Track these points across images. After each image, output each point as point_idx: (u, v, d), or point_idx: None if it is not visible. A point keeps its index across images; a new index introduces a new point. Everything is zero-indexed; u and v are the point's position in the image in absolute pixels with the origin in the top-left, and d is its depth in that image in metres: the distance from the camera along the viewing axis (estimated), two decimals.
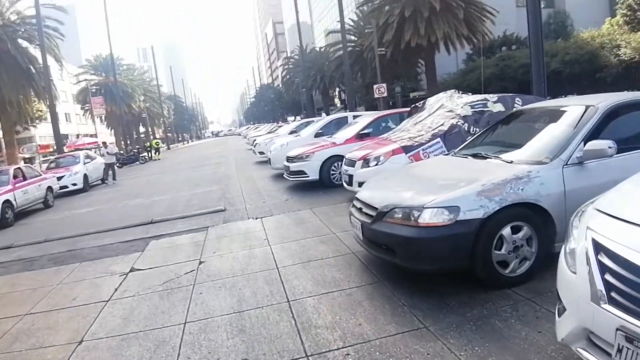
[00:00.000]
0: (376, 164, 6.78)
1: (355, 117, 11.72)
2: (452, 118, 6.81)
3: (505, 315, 3.05)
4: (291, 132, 16.10)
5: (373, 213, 3.79)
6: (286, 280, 4.24)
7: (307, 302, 3.68)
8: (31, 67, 23.97)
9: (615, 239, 1.88)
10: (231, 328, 3.39)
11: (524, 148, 4.04)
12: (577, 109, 3.96)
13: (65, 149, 28.71)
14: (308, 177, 9.46)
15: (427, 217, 3.31)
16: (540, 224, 3.45)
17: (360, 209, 4.11)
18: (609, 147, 3.34)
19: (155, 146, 34.59)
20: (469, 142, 4.95)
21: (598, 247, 1.93)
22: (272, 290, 4.05)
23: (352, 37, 31.71)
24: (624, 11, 22.26)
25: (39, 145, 39.63)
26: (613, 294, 1.79)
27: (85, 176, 16.47)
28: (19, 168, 12.87)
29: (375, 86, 23.11)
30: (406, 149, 6.64)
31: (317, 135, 11.92)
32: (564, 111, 4.13)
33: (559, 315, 2.21)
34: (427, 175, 4.34)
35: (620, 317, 1.73)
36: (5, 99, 22.79)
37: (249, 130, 44.33)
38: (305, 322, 3.32)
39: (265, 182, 11.90)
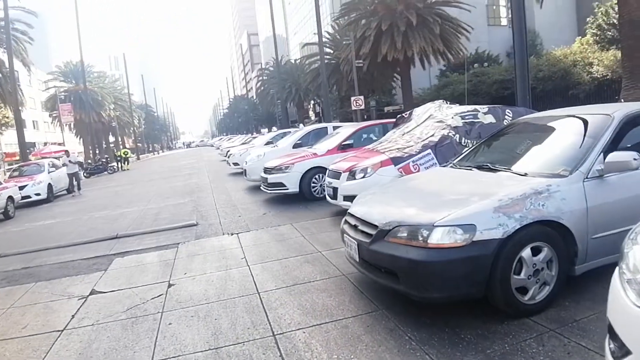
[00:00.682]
0: (363, 176, 6.34)
1: (335, 127, 11.31)
2: (443, 129, 6.49)
3: (532, 352, 2.62)
4: (267, 143, 15.48)
5: (372, 231, 3.32)
6: (269, 309, 3.69)
7: (297, 336, 3.15)
8: None
9: None
10: None
11: (536, 159, 3.68)
12: (591, 118, 3.66)
13: (32, 157, 27.22)
14: (287, 189, 8.94)
15: (438, 237, 2.87)
16: (561, 244, 3.06)
17: (355, 227, 3.62)
18: (634, 159, 3.03)
19: (124, 156, 33.50)
20: (468, 153, 4.57)
21: None
22: (253, 320, 3.50)
23: (329, 50, 31.56)
24: (594, 30, 22.87)
25: (5, 153, 37.78)
26: None
27: (50, 186, 15.60)
28: None
29: (352, 98, 22.85)
30: (395, 161, 6.23)
31: (295, 146, 11.36)
32: (577, 121, 3.80)
33: (616, 358, 1.79)
34: (431, 189, 3.88)
35: None
36: None
37: (222, 141, 43.53)
38: None
39: (240, 194, 11.29)
